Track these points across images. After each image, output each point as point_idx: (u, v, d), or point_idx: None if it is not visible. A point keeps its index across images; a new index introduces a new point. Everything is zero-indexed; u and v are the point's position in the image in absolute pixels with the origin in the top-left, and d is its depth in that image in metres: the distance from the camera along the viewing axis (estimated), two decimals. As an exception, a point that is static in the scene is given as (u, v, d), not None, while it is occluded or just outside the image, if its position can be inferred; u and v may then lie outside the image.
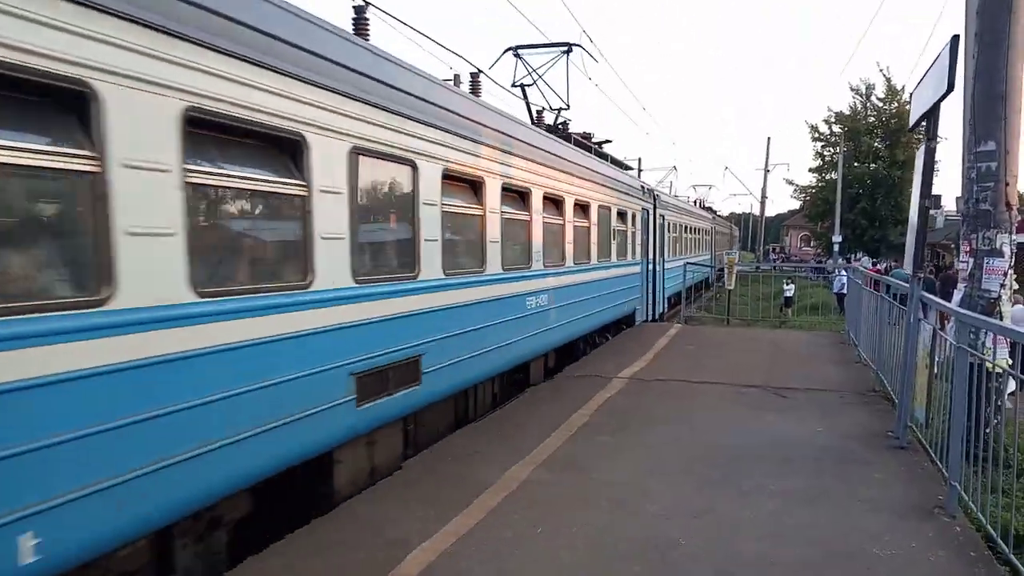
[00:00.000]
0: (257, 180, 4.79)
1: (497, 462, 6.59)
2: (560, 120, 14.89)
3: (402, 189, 6.56)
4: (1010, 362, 6.41)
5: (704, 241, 35.10)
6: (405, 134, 6.39)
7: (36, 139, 3.43)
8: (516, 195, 9.34)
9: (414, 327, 6.57)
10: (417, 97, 6.66)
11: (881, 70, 55.20)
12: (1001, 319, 7.24)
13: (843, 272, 22.39)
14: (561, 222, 11.04)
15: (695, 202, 44.21)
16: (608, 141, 17.46)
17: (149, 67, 3.90)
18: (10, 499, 3.27)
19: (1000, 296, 7.26)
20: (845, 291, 18.92)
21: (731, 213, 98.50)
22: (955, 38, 5.90)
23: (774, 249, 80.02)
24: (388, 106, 6.12)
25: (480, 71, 10.55)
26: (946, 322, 7.45)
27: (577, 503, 5.62)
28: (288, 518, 5.32)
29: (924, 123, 6.84)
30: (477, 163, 7.93)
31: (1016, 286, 8.00)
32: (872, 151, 40.72)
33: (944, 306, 6.58)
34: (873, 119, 41.00)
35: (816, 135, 43.01)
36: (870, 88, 40.85)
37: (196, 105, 4.19)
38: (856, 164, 40.97)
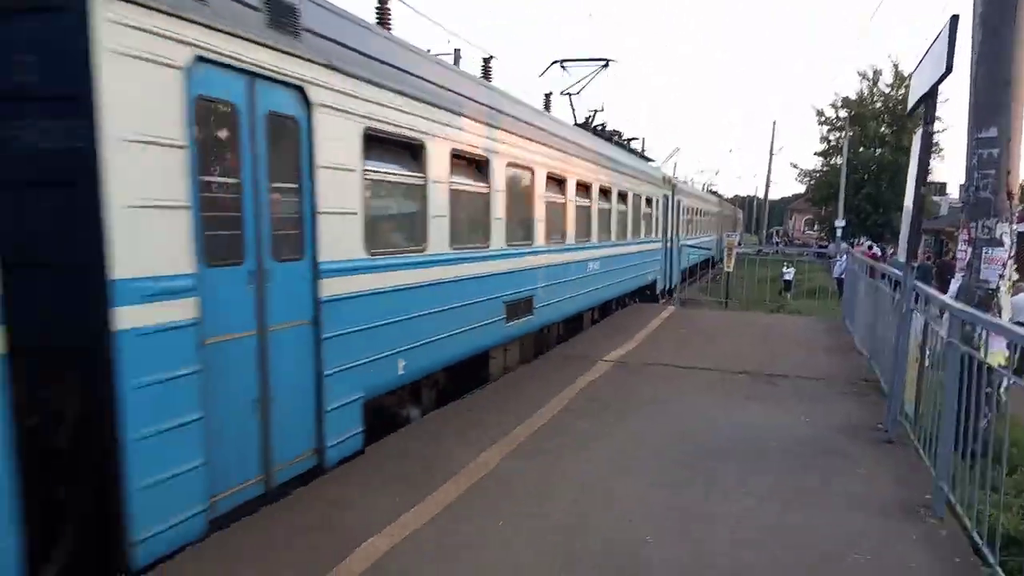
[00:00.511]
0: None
1: (470, 444, 6.36)
2: (599, 123, 17.42)
3: (524, 184, 9.92)
4: (1007, 354, 6.14)
5: (712, 223, 38.73)
6: (527, 151, 9.79)
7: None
8: (582, 187, 12.39)
9: (530, 278, 10.03)
10: (515, 118, 9.53)
11: (889, 56, 54.33)
12: (1000, 312, 6.95)
13: (844, 256, 22.11)
14: (608, 207, 14.10)
15: (703, 187, 44.99)
16: (635, 138, 20.13)
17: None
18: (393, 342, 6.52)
19: (999, 287, 6.96)
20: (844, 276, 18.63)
21: (735, 195, 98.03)
22: (955, 18, 5.59)
23: (777, 232, 79.37)
24: (518, 131, 9.55)
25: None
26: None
27: (544, 495, 5.36)
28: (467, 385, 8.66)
29: (922, 107, 6.54)
30: (565, 168, 11.40)
31: (1016, 276, 7.69)
32: (878, 136, 40.24)
33: (937, 297, 6.27)
34: (880, 104, 40.46)
35: (822, 119, 42.53)
36: (877, 74, 40.41)
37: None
38: (862, 149, 40.53)
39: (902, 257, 6.99)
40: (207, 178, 4.45)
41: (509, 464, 6.00)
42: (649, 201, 18.17)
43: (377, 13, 7.34)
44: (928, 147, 6.46)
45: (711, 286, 28.53)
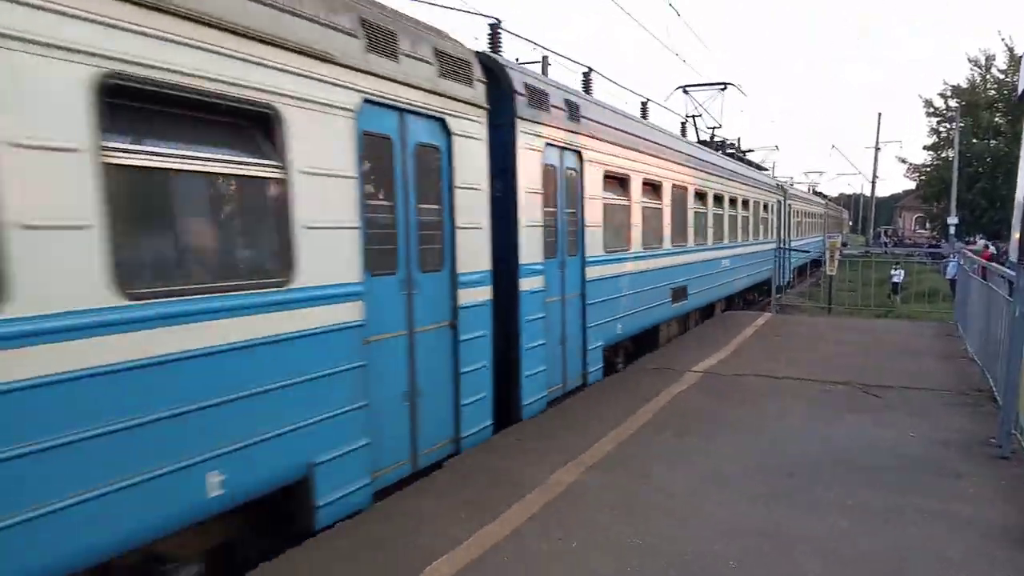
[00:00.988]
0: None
1: (547, 461, 6.24)
2: (720, 140, 19.60)
3: (679, 199, 12.56)
4: None
5: (818, 224, 40.68)
6: (681, 174, 12.63)
7: None
8: (717, 199, 15.18)
9: (684, 271, 12.80)
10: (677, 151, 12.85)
11: (1003, 39, 50.58)
12: None
13: (956, 256, 20.82)
14: (735, 214, 16.92)
15: (808, 188, 45.26)
16: (751, 150, 22.74)
17: None
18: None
19: None
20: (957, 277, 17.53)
21: (840, 194, 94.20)
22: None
23: (885, 232, 75.48)
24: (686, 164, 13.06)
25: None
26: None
27: (623, 514, 5.20)
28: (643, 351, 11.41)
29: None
30: (705, 184, 14.17)
31: None
32: (993, 126, 37.74)
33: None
34: (994, 92, 37.95)
35: (931, 110, 40.32)
36: (990, 59, 37.90)
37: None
38: (975, 141, 38.09)
39: (1014, 256, 6.46)
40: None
41: (589, 478, 5.86)
42: (766, 207, 21.02)
43: (583, 82, 10.32)
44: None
45: (811, 290, 27.40)
